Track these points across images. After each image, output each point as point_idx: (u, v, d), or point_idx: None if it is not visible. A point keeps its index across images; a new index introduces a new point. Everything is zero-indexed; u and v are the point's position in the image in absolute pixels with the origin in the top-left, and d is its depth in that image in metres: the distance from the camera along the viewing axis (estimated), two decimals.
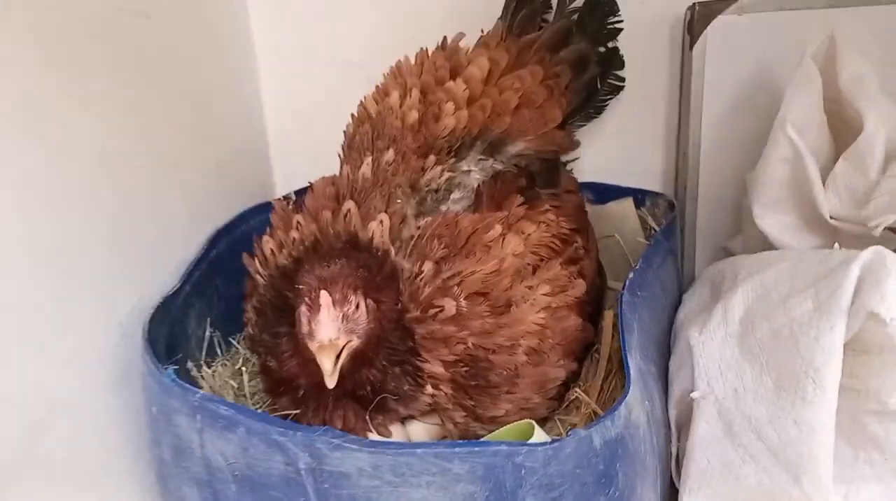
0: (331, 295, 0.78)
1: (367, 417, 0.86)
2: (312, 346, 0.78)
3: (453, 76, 1.03)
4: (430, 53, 1.10)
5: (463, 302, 0.85)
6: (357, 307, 0.80)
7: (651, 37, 1.24)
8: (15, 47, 0.78)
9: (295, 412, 0.88)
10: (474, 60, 1.05)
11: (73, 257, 0.86)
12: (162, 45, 1.06)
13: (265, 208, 1.24)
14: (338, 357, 0.78)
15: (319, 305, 0.78)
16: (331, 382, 0.78)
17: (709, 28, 1.15)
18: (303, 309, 0.80)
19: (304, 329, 0.80)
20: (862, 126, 0.92)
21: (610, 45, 1.19)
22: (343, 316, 0.78)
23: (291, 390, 0.88)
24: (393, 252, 0.90)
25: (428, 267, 0.87)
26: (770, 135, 0.98)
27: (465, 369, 0.85)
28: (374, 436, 0.85)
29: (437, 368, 0.85)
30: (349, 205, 0.91)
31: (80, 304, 0.87)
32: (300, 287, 0.81)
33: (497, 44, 1.09)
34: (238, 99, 1.31)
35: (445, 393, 0.86)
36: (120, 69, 0.96)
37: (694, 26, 1.16)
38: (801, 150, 0.93)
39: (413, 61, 1.09)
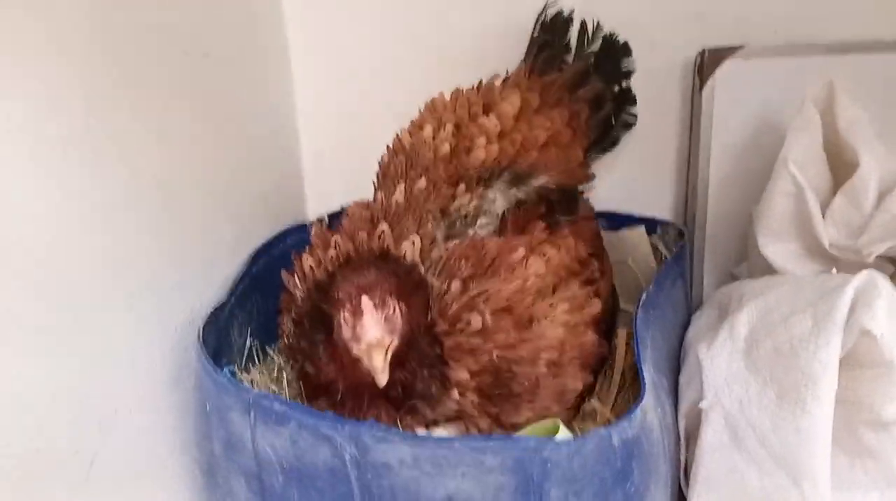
0: (371, 299, 0.85)
1: (398, 418, 0.92)
2: (360, 348, 0.85)
3: (486, 112, 1.12)
4: (464, 91, 1.19)
5: (488, 318, 0.92)
6: (394, 310, 0.86)
7: (664, 79, 1.33)
8: (102, 83, 0.87)
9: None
10: (507, 98, 1.13)
11: (139, 271, 0.95)
12: (214, 83, 1.16)
13: (299, 230, 1.33)
14: (384, 357, 0.84)
15: (362, 310, 0.84)
16: (382, 379, 0.84)
17: (717, 72, 1.25)
18: (345, 315, 0.86)
19: (348, 334, 0.86)
20: (858, 165, 1.01)
21: (624, 84, 1.28)
22: (385, 318, 0.85)
23: (329, 393, 0.93)
24: (422, 269, 0.97)
25: (455, 285, 0.94)
26: (774, 170, 1.06)
27: (490, 379, 0.92)
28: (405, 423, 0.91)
29: (462, 375, 0.91)
30: (383, 226, 0.98)
31: (142, 313, 0.95)
32: (339, 296, 0.87)
33: (527, 84, 1.18)
34: (277, 133, 1.41)
35: (472, 402, 0.92)
36: (182, 106, 1.05)
37: (703, 70, 1.26)
38: (802, 185, 1.02)
39: (448, 98, 1.18)
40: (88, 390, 0.86)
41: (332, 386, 0.93)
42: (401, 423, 0.92)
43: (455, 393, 0.92)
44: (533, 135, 1.12)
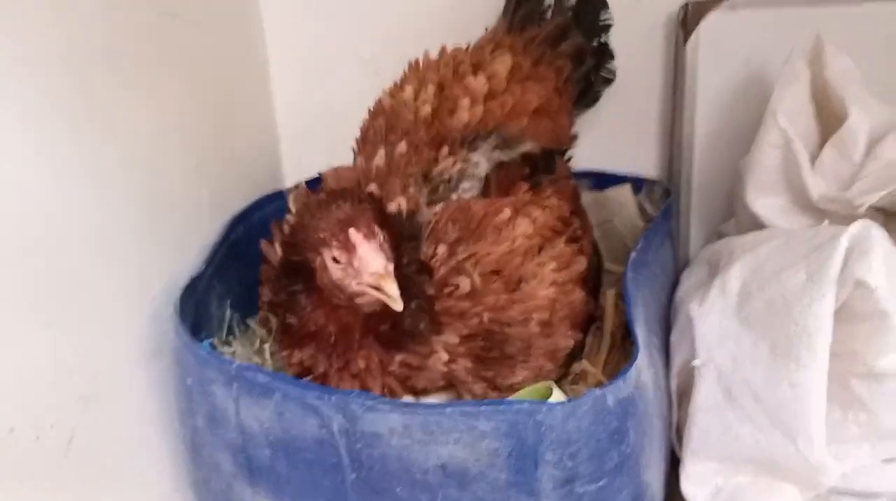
0: (359, 231, 0.81)
1: (385, 360, 0.89)
2: (363, 280, 0.81)
3: (475, 72, 1.08)
4: (451, 50, 1.15)
5: (478, 280, 0.91)
6: (383, 238, 0.82)
7: (647, 33, 1.30)
8: (78, 45, 0.83)
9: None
10: (498, 58, 1.10)
11: (112, 238, 0.91)
12: (186, 45, 1.11)
13: (277, 197, 1.29)
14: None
15: (354, 243, 0.80)
16: (399, 305, 0.80)
17: (701, 24, 1.22)
18: (335, 253, 0.82)
19: (339, 273, 0.82)
20: (846, 116, 0.99)
21: (602, 38, 1.25)
22: (378, 246, 0.81)
23: (318, 340, 0.90)
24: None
25: (442, 249, 0.92)
26: (762, 123, 1.04)
27: (482, 343, 0.91)
28: (391, 382, 0.89)
29: (452, 339, 0.90)
30: (372, 187, 0.96)
31: (119, 281, 0.92)
32: (320, 236, 0.83)
33: (517, 45, 1.15)
34: (252, 97, 1.36)
35: (465, 368, 0.91)
36: (152, 65, 1.01)
37: (687, 23, 1.23)
38: (790, 137, 1.00)
39: (434, 57, 1.14)
40: (65, 363, 0.82)
41: (320, 333, 0.90)
42: (386, 367, 0.89)
43: (444, 354, 0.90)
44: (525, 99, 1.09)
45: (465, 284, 0.90)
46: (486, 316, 0.90)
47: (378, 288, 0.81)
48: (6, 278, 0.74)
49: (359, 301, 0.85)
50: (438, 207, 0.98)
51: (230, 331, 1.13)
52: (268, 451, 0.84)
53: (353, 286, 0.82)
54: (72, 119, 0.84)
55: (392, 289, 0.80)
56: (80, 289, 0.85)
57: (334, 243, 0.82)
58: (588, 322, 1.04)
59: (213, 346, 0.89)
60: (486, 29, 1.23)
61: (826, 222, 0.94)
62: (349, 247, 0.81)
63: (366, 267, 0.80)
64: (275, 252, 1.02)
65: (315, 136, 1.44)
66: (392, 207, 0.94)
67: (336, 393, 0.78)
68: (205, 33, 1.17)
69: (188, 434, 0.92)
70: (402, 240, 0.90)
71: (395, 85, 1.14)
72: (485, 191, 1.06)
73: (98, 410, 0.87)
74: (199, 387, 0.87)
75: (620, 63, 1.28)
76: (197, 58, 1.15)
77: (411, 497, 0.79)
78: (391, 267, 0.81)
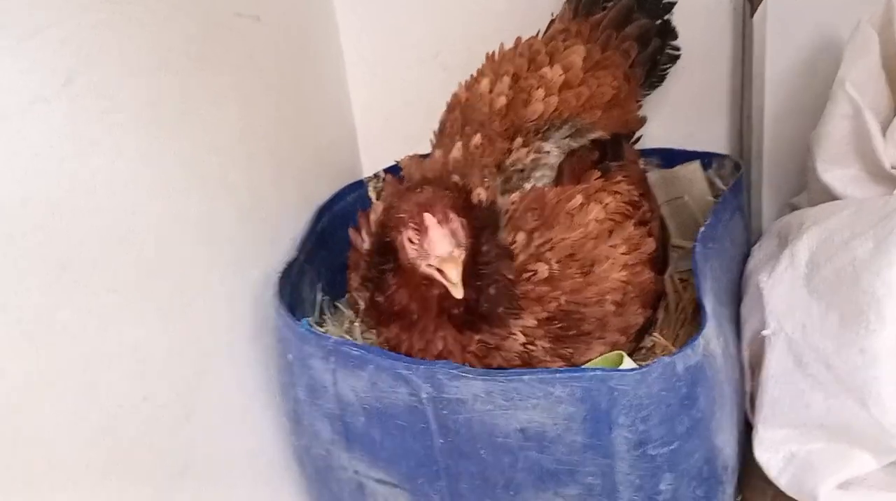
0: (434, 215, 0.86)
1: (463, 341, 0.93)
2: (432, 263, 0.86)
3: (551, 62, 1.12)
4: (527, 40, 1.18)
5: (555, 266, 0.95)
6: (457, 224, 0.87)
7: (713, 6, 1.30)
8: (166, 51, 0.92)
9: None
10: (573, 47, 1.13)
11: (215, 233, 1.01)
12: (269, 47, 1.19)
13: (357, 186, 1.38)
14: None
15: (427, 226, 0.86)
16: (459, 292, 0.85)
17: None
18: (409, 233, 0.87)
19: (414, 253, 0.88)
20: None
21: (665, 17, 1.26)
22: (450, 232, 0.86)
23: (402, 318, 0.96)
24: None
25: (521, 237, 0.97)
26: (831, 93, 1.04)
27: (560, 323, 0.95)
28: (470, 359, 0.94)
29: (530, 322, 0.94)
30: (455, 178, 1.02)
31: (221, 271, 1.02)
32: (400, 215, 0.89)
33: (585, 33, 1.17)
34: (329, 93, 1.44)
35: (542, 347, 0.95)
36: (240, 69, 1.10)
37: None
38: (860, 106, 1.00)
39: (510, 48, 1.18)
40: (178, 342, 0.93)
41: (403, 312, 0.96)
42: (465, 347, 0.94)
43: (521, 336, 0.95)
44: (599, 91, 1.12)
45: (542, 270, 0.95)
46: (563, 299, 0.95)
47: (441, 272, 0.86)
48: (121, 270, 0.84)
49: (430, 285, 0.90)
50: (515, 196, 1.03)
51: (322, 312, 1.22)
52: (363, 419, 0.92)
53: (424, 267, 0.88)
54: (172, 123, 0.93)
55: (452, 275, 0.85)
56: (187, 278, 0.95)
57: (411, 224, 0.87)
58: (657, 298, 1.07)
59: (309, 324, 0.97)
60: (553, 14, 1.26)
61: (895, 192, 0.94)
62: (422, 229, 0.86)
63: (433, 250, 0.86)
64: (361, 238, 1.10)
65: (389, 128, 1.51)
66: (473, 198, 0.99)
67: (424, 364, 0.85)
68: (286, 35, 1.26)
69: (290, 406, 1.02)
70: (484, 229, 0.95)
71: (472, 77, 1.18)
72: (557, 179, 1.11)
73: (210, 386, 0.98)
74: (299, 362, 0.96)
75: (686, 39, 1.28)
76: (280, 59, 1.23)
77: (495, 459, 0.86)
78: (458, 253, 0.86)
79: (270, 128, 1.18)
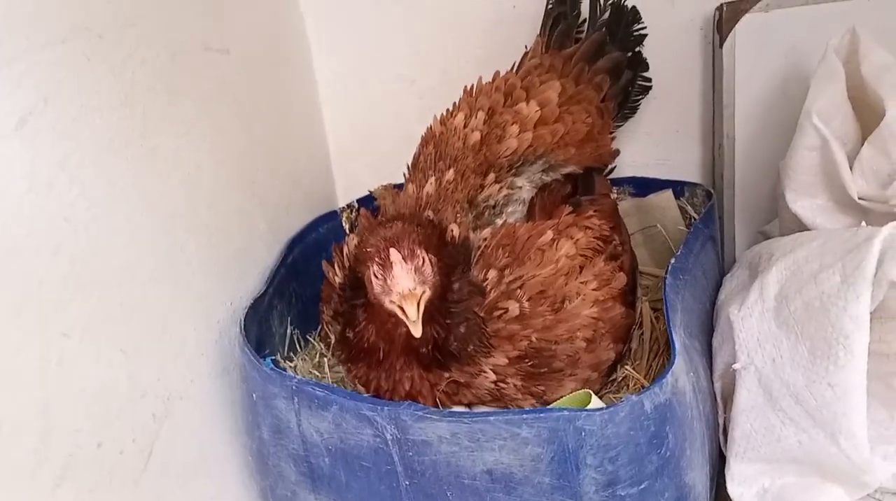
0: (399, 251, 0.85)
1: (429, 378, 0.93)
2: (393, 299, 0.85)
3: (527, 98, 1.12)
4: (504, 74, 1.18)
5: (526, 304, 0.95)
6: (423, 262, 0.86)
7: (683, 37, 1.31)
8: (126, 87, 0.90)
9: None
10: (548, 82, 1.14)
11: (179, 265, 0.99)
12: (240, 79, 1.18)
13: (331, 217, 1.37)
14: (417, 307, 0.84)
15: (391, 262, 0.85)
16: (417, 330, 0.84)
17: (737, 26, 1.22)
18: (374, 269, 0.87)
19: (379, 288, 0.87)
20: (884, 112, 0.98)
21: (636, 49, 1.27)
22: (414, 268, 0.85)
23: (368, 356, 0.95)
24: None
25: (492, 274, 0.97)
26: (798, 125, 1.05)
27: (532, 361, 0.94)
28: (441, 397, 0.93)
29: (501, 360, 0.94)
30: (429, 213, 1.02)
31: (186, 306, 1.00)
32: (368, 250, 0.88)
33: (559, 67, 1.18)
34: (303, 122, 1.43)
35: (514, 386, 0.94)
36: (209, 100, 1.08)
37: (723, 25, 1.23)
38: (827, 138, 1.00)
39: (487, 82, 1.18)
40: (140, 383, 0.90)
41: (371, 349, 0.95)
42: (434, 386, 0.93)
43: (491, 374, 0.94)
44: (574, 128, 1.13)
45: (514, 308, 0.94)
46: (534, 337, 0.94)
47: (402, 309, 0.85)
48: (84, 310, 0.82)
49: (396, 322, 0.89)
50: (487, 232, 1.03)
51: (291, 347, 1.20)
52: (328, 459, 0.90)
53: (387, 303, 0.87)
54: (136, 159, 0.91)
55: (411, 312, 0.84)
56: (151, 317, 0.93)
57: (376, 259, 0.87)
58: (628, 332, 1.07)
59: (275, 362, 0.95)
60: (526, 47, 1.26)
61: (864, 223, 0.94)
62: (387, 265, 0.86)
63: (395, 286, 0.85)
64: (334, 271, 1.09)
65: (363, 157, 1.51)
66: (446, 235, 0.99)
67: (388, 405, 0.84)
68: (257, 66, 1.25)
69: (255, 446, 1.00)
70: (455, 267, 0.95)
71: (447, 111, 1.18)
72: (529, 214, 1.11)
73: (172, 427, 0.95)
74: (263, 402, 0.94)
75: (657, 68, 1.29)
76: (251, 89, 1.22)
77: None
78: (420, 290, 0.85)
79: (241, 159, 1.16)
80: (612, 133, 1.23)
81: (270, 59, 1.30)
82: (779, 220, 1.20)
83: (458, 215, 1.05)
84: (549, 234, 1.00)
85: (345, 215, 1.38)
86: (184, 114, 1.02)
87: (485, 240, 1.01)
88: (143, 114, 0.93)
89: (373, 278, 0.88)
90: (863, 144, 1.02)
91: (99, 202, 0.85)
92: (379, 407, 0.83)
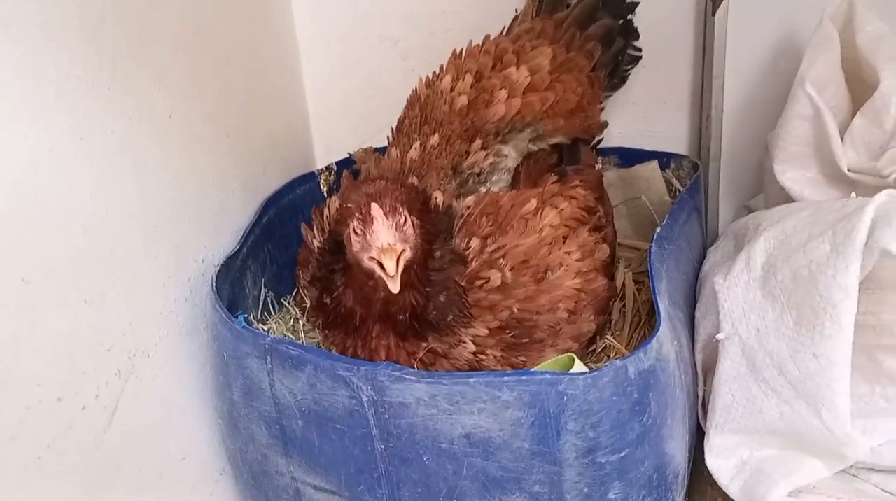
0: (381, 207, 0.82)
1: (405, 345, 0.91)
2: (371, 254, 0.82)
3: (517, 63, 1.08)
4: (494, 38, 1.15)
5: (508, 274, 0.92)
6: (405, 220, 0.84)
7: (674, 5, 1.28)
8: (98, 22, 0.85)
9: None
10: (539, 48, 1.10)
11: (151, 218, 0.94)
12: (217, 24, 1.13)
13: (308, 178, 1.33)
14: (396, 264, 0.81)
15: (372, 216, 0.82)
16: (395, 286, 0.82)
17: None
18: (354, 224, 0.84)
19: (358, 244, 0.84)
20: (878, 83, 0.97)
21: (627, 17, 1.24)
22: (395, 225, 0.83)
23: (345, 321, 0.93)
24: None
25: (475, 242, 0.94)
26: (790, 92, 1.03)
27: (512, 333, 0.92)
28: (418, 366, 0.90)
29: (481, 330, 0.92)
30: (413, 180, 0.99)
31: (155, 261, 0.95)
32: (348, 205, 0.85)
33: (550, 32, 1.14)
34: (282, 78, 1.38)
35: (494, 357, 0.92)
36: (184, 46, 1.03)
37: None
38: (820, 107, 0.99)
39: (476, 45, 1.14)
40: (105, 337, 0.86)
41: (348, 314, 0.93)
42: (412, 355, 0.91)
43: (470, 344, 0.92)
44: (565, 97, 1.10)
45: (496, 277, 0.92)
46: (515, 308, 0.92)
47: (381, 265, 0.82)
48: (47, 256, 0.78)
49: (375, 285, 0.86)
50: (470, 199, 1.00)
51: (265, 309, 1.16)
52: (301, 422, 0.87)
53: (366, 260, 0.84)
54: (107, 102, 0.86)
55: (389, 266, 0.81)
56: (119, 268, 0.89)
57: (356, 215, 0.84)
58: (609, 304, 1.05)
59: (247, 322, 0.92)
60: (517, 10, 1.22)
61: (853, 194, 0.93)
62: (367, 220, 0.82)
63: (374, 240, 0.82)
64: (313, 234, 1.05)
65: (344, 118, 1.46)
66: (430, 201, 0.96)
67: (365, 365, 0.81)
68: (237, 12, 1.19)
69: (225, 407, 0.96)
70: (438, 235, 0.92)
71: (434, 74, 1.15)
72: (514, 182, 1.08)
73: (138, 385, 0.91)
74: (234, 361, 0.91)
75: (648, 36, 1.27)
76: (230, 36, 1.17)
77: (438, 465, 0.82)
78: (401, 246, 0.82)
79: (215, 111, 1.11)
80: (601, 104, 1.21)
81: (250, 11, 1.25)
82: (765, 194, 1.19)
83: (442, 182, 1.02)
84: (534, 203, 0.98)
85: (323, 177, 1.34)
86: (157, 56, 0.97)
87: (468, 208, 0.98)
88: (111, 54, 0.88)
89: (352, 235, 0.85)
90: (853, 116, 1.01)
91: (64, 142, 0.80)
92: (355, 368, 0.80)
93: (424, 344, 0.91)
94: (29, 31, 0.75)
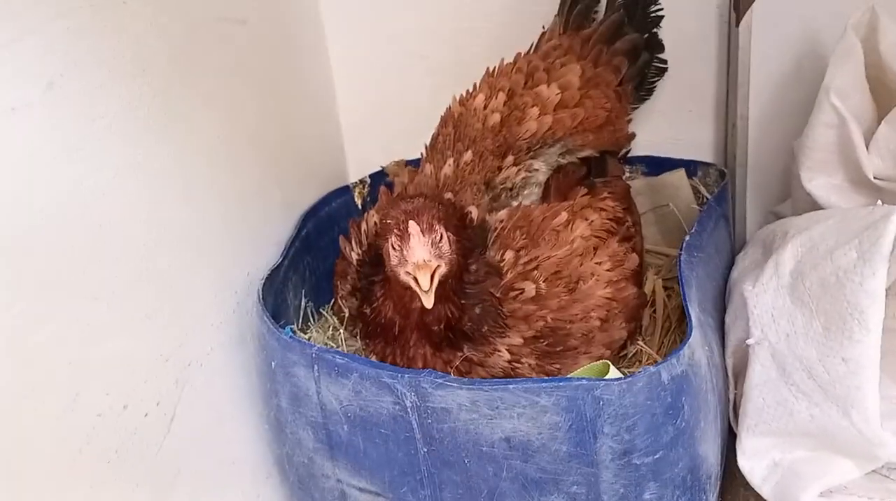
0: (418, 224, 0.86)
1: (443, 357, 0.94)
2: (407, 269, 0.86)
3: (548, 80, 1.12)
4: (525, 55, 1.18)
5: (542, 285, 0.96)
6: (441, 237, 0.87)
7: (699, 16, 1.30)
8: (149, 56, 0.91)
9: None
10: (568, 65, 1.13)
11: (201, 238, 1.00)
12: (255, 52, 1.18)
13: (343, 191, 1.37)
14: (431, 279, 0.85)
15: (409, 233, 0.85)
16: (429, 301, 0.85)
17: (754, 4, 1.22)
18: (392, 240, 0.88)
19: (395, 259, 0.88)
20: None
21: (653, 31, 1.26)
22: (431, 242, 0.86)
23: (385, 330, 0.96)
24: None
25: (509, 255, 0.97)
26: (816, 102, 1.05)
27: (546, 342, 0.95)
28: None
29: (516, 340, 0.95)
30: (449, 195, 1.02)
31: (205, 276, 1.01)
32: (388, 221, 0.89)
33: (578, 49, 1.17)
34: (316, 97, 1.43)
35: (529, 365, 0.95)
36: (225, 73, 1.08)
37: (739, 4, 1.23)
38: (844, 116, 1.01)
39: (508, 63, 1.17)
40: (163, 349, 0.91)
41: (388, 324, 0.96)
42: (448, 363, 0.94)
43: (505, 353, 0.95)
44: (594, 113, 1.13)
45: (530, 288, 0.95)
46: (549, 317, 0.95)
47: (416, 280, 0.85)
48: (109, 277, 0.83)
49: (411, 297, 0.89)
50: (503, 213, 1.04)
51: (305, 319, 1.21)
52: (346, 427, 0.91)
53: (402, 275, 0.88)
54: (156, 128, 0.92)
55: (423, 282, 0.84)
56: (172, 285, 0.94)
57: (395, 231, 0.87)
58: (640, 312, 1.08)
59: (293, 332, 0.96)
60: (544, 27, 1.26)
61: (880, 201, 0.95)
62: (405, 237, 0.86)
63: (410, 257, 0.85)
64: (351, 247, 1.09)
65: (375, 133, 1.50)
66: (465, 217, 1.00)
67: (409, 372, 0.85)
68: (272, 39, 1.25)
69: (272, 413, 1.01)
70: (473, 249, 0.95)
71: (467, 92, 1.18)
72: (544, 195, 1.11)
73: (193, 393, 0.96)
74: (282, 369, 0.95)
75: (673, 47, 1.29)
76: (265, 62, 1.22)
77: (479, 468, 0.85)
78: (436, 263, 0.86)
79: (256, 132, 1.17)
80: (628, 116, 1.24)
81: (284, 31, 1.30)
82: (792, 200, 1.21)
83: (476, 197, 1.06)
84: (564, 216, 1.01)
85: (357, 190, 1.39)
86: (201, 85, 1.02)
87: (501, 221, 1.02)
88: (161, 85, 0.93)
89: (390, 250, 0.89)
90: (878, 123, 1.03)
91: (123, 170, 0.85)
92: (399, 375, 0.84)
93: (460, 354, 0.95)
94: (87, 67, 0.81)
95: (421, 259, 0.85)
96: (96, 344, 0.80)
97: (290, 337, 0.94)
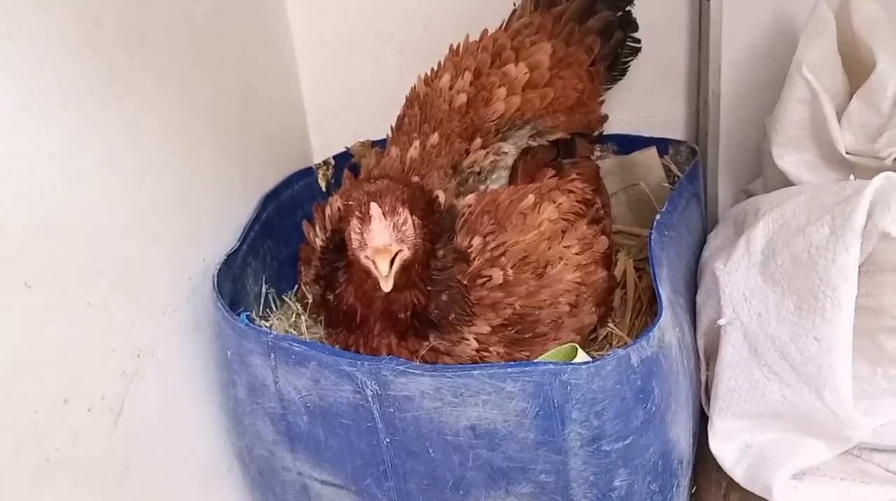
0: (380, 206, 0.82)
1: (407, 344, 0.91)
2: (367, 253, 0.83)
3: (516, 59, 1.08)
4: (493, 33, 1.14)
5: (510, 271, 0.93)
6: (405, 220, 0.84)
7: None
8: (99, 29, 0.85)
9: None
10: (538, 44, 1.09)
11: (150, 219, 0.94)
12: (212, 25, 1.12)
13: (306, 173, 1.33)
14: (391, 264, 0.82)
15: (371, 216, 0.82)
16: (387, 285, 0.82)
17: None
18: (354, 223, 0.84)
19: (356, 242, 0.85)
20: (874, 65, 0.97)
21: (626, 9, 1.22)
22: (393, 225, 0.83)
23: (347, 318, 0.93)
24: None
25: (477, 241, 0.94)
26: (787, 77, 1.03)
27: (514, 329, 0.93)
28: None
29: (484, 328, 0.92)
30: (416, 178, 0.99)
31: (157, 261, 0.96)
32: (350, 203, 0.86)
33: (549, 27, 1.13)
34: (278, 76, 1.38)
35: (497, 353, 0.93)
36: (181, 49, 1.03)
37: None
38: (817, 90, 0.99)
39: (474, 41, 1.13)
40: (109, 339, 0.87)
41: (350, 312, 0.93)
42: (414, 353, 0.92)
43: (473, 342, 0.92)
44: (565, 94, 1.09)
45: (497, 276, 0.92)
46: (517, 305, 0.92)
47: (375, 264, 0.82)
48: (52, 261, 0.78)
49: (373, 282, 0.86)
50: (471, 198, 1.00)
51: (266, 306, 1.17)
52: (306, 418, 0.87)
53: (363, 259, 0.84)
54: (105, 108, 0.87)
55: (382, 267, 0.81)
56: (121, 270, 0.89)
57: (357, 213, 0.84)
58: (609, 295, 1.05)
59: (250, 319, 0.92)
60: (515, 4, 1.21)
61: (852, 177, 0.93)
62: (365, 219, 0.83)
63: (370, 241, 0.82)
64: (315, 232, 1.05)
65: (341, 113, 1.46)
66: (434, 202, 0.96)
67: (369, 360, 0.81)
68: (231, 14, 1.19)
69: (230, 405, 0.97)
70: (441, 235, 0.92)
71: (432, 71, 1.14)
72: (511, 177, 1.08)
73: (143, 385, 0.92)
74: (238, 359, 0.91)
75: (644, 22, 1.26)
76: (224, 37, 1.17)
77: (444, 457, 0.82)
78: (397, 248, 0.83)
79: (214, 110, 1.11)
80: (601, 98, 1.20)
81: (244, 8, 1.24)
82: (763, 178, 1.19)
83: (443, 181, 1.03)
84: (532, 198, 0.98)
85: (321, 172, 1.34)
86: (153, 59, 0.96)
87: (469, 206, 0.99)
88: (108, 59, 0.87)
89: (352, 233, 0.86)
90: (850, 98, 1.01)
91: (65, 148, 0.80)
92: (359, 363, 0.80)
93: (426, 343, 0.92)
94: (25, 39, 0.75)
95: (380, 243, 0.82)
96: (32, 333, 0.75)
97: (246, 324, 0.90)
